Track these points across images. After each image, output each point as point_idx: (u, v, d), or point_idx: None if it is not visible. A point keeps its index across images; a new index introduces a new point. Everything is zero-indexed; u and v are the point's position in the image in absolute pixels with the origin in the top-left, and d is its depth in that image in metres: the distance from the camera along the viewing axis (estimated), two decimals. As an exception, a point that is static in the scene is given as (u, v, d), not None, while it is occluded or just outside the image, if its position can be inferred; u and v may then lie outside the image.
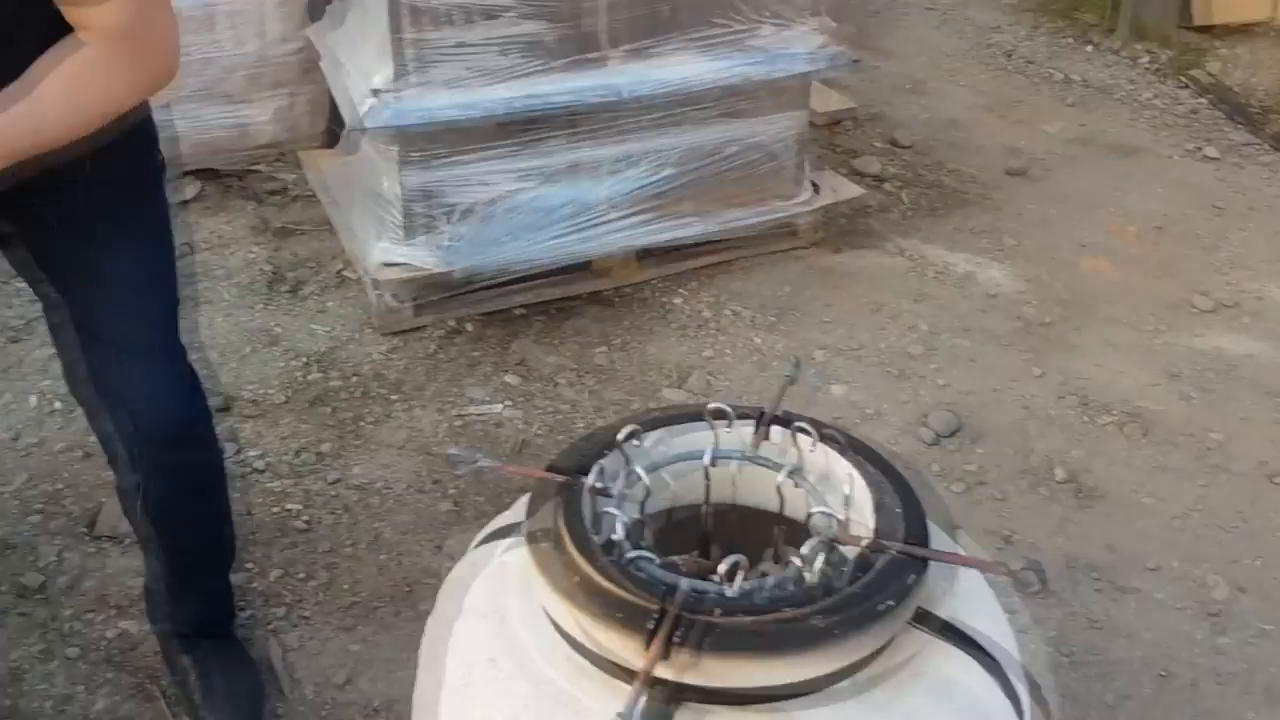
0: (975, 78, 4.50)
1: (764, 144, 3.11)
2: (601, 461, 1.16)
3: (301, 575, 2.22)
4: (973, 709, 1.09)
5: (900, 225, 3.48)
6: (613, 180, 2.99)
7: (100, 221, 1.52)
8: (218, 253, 3.23)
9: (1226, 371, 2.78)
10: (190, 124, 3.34)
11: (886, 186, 3.70)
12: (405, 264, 2.85)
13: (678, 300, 3.08)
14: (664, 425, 1.23)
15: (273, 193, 3.48)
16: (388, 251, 2.86)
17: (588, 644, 1.04)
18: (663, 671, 1.00)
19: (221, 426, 2.59)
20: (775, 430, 1.23)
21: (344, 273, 3.18)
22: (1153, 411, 2.64)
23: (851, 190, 3.38)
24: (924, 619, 1.13)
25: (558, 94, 2.80)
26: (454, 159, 2.80)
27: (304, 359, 2.84)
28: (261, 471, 2.46)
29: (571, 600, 1.04)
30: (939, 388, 2.73)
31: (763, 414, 1.24)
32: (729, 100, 3.00)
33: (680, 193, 3.07)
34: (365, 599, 2.16)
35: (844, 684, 1.06)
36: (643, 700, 1.00)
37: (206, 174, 3.45)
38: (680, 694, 1.02)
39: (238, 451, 2.50)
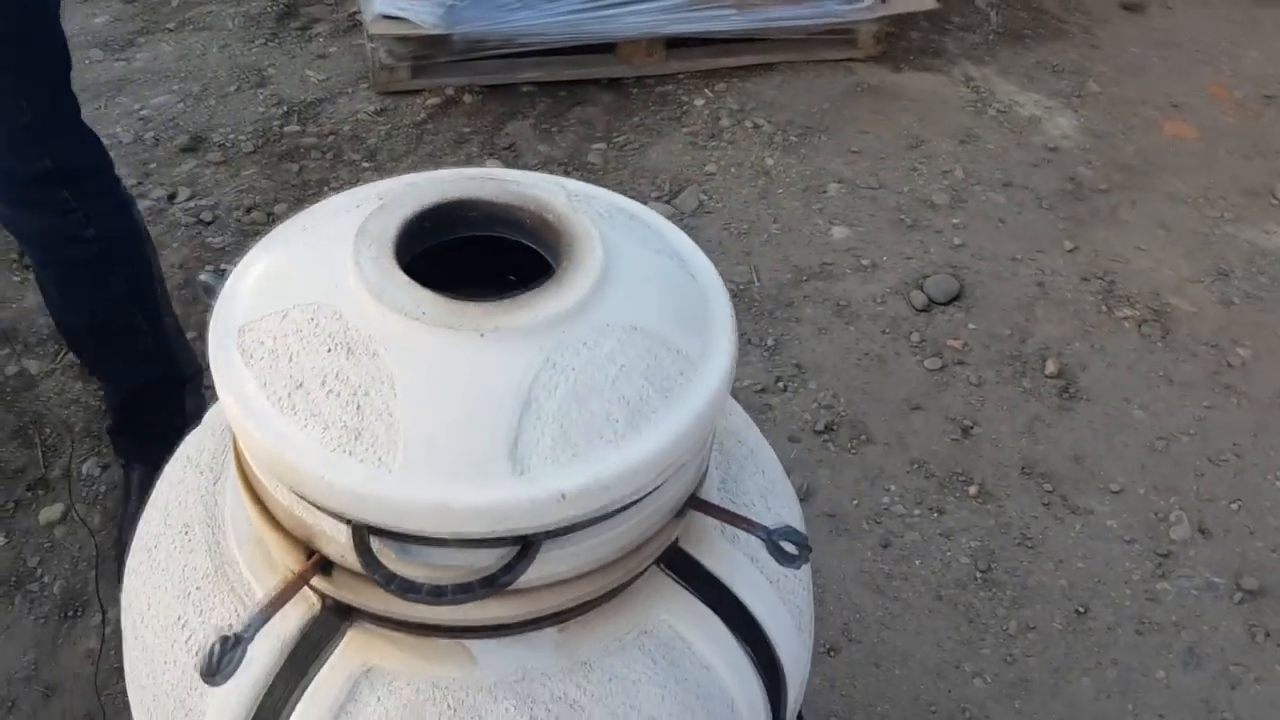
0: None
1: (825, -65, 2.75)
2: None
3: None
4: (697, 684, 0.95)
5: (977, 50, 3.10)
6: (645, -45, 2.68)
7: None
8: (232, -25, 3.04)
9: (1285, 279, 2.44)
10: None
11: (978, 2, 3.29)
12: (403, 19, 2.63)
13: (699, 102, 2.81)
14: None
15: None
16: (387, 3, 2.64)
17: (265, 538, 0.92)
18: (327, 587, 0.88)
19: (180, 169, 2.48)
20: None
21: (358, 15, 2.96)
22: (1182, 312, 2.34)
23: (924, 2, 3.00)
24: (678, 568, 0.98)
25: None
26: (465, -92, 2.52)
27: (286, 107, 2.68)
28: (208, 224, 2.35)
29: (250, 491, 0.91)
30: (952, 247, 2.46)
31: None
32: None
33: (721, -20, 2.75)
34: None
35: (549, 629, 0.93)
36: (308, 616, 0.89)
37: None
38: (349, 613, 0.90)
39: (191, 197, 2.40)
